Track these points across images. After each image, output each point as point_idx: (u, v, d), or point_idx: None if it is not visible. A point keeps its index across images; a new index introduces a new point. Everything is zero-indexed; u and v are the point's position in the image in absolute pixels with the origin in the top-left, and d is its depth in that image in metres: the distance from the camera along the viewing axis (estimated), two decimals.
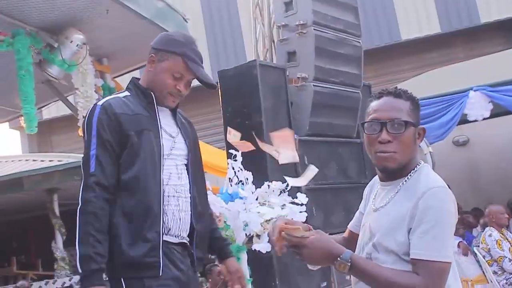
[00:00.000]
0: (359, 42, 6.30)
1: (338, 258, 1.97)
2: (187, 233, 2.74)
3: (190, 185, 2.78)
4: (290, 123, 5.45)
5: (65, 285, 9.46)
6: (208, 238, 2.93)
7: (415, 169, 2.14)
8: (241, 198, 4.23)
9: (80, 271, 2.48)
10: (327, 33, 5.86)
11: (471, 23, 13.52)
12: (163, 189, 2.63)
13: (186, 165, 2.79)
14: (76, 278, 9.33)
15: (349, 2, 6.28)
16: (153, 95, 2.74)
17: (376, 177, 2.28)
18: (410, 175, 2.12)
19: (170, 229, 2.65)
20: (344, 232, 2.49)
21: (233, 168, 4.31)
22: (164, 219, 2.62)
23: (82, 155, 2.64)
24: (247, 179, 4.29)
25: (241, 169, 4.29)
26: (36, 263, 13.18)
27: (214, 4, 14.57)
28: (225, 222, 4.14)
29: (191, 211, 2.75)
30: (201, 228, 2.81)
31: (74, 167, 9.58)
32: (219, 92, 5.38)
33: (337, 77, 5.95)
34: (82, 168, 2.59)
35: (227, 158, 4.43)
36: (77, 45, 5.48)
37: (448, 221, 2.00)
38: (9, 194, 10.22)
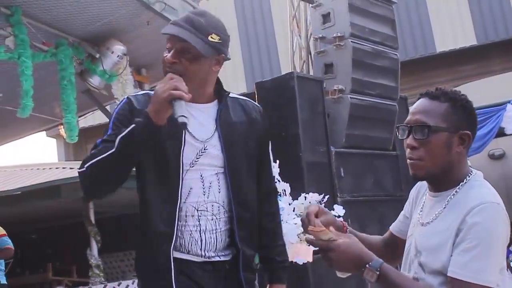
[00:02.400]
0: (396, 55, 6.30)
1: (367, 265, 1.83)
2: (220, 251, 2.38)
3: (229, 198, 2.37)
4: (326, 135, 5.46)
5: None
6: (264, 254, 2.55)
7: (465, 180, 1.95)
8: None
9: (118, 144, 2.17)
10: (364, 45, 5.87)
11: (508, 35, 13.37)
12: (180, 207, 2.29)
13: (223, 174, 2.36)
14: (110, 285, 9.45)
15: (386, 15, 6.28)
16: None
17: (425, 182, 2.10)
18: (459, 188, 1.94)
19: (189, 251, 2.33)
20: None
21: None
22: (181, 242, 2.31)
23: None
24: (284, 190, 4.31)
25: (278, 180, 4.31)
26: (71, 270, 13.32)
27: (249, 16, 14.69)
28: None
29: (230, 226, 2.38)
30: (249, 248, 2.42)
31: None
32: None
33: (374, 89, 5.95)
34: (93, 146, 2.29)
35: None
36: (118, 56, 5.59)
37: (494, 241, 1.81)
38: (47, 201, 10.39)
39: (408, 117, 1.98)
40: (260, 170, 2.53)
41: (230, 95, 2.48)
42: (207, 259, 2.35)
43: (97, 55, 5.62)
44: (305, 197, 4.44)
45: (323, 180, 5.30)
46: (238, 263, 2.39)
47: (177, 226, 2.28)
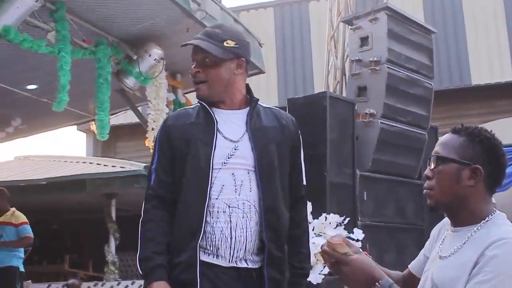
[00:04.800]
0: (430, 84, 6.29)
1: (377, 283, 1.84)
2: (249, 255, 2.42)
3: (259, 197, 2.42)
4: (353, 157, 5.47)
5: None
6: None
7: (487, 218, 1.92)
8: None
9: (141, 273, 2.43)
10: (399, 71, 5.88)
11: None
12: (211, 204, 2.38)
13: (254, 173, 2.43)
14: (124, 283, 9.52)
15: (424, 43, 6.29)
16: (204, 103, 2.50)
17: (447, 219, 2.09)
18: (481, 225, 1.91)
19: (218, 248, 2.38)
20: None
21: None
22: (212, 238, 2.38)
23: None
24: None
25: None
26: (87, 264, 13.43)
27: (288, 31, 14.74)
28: None
29: (259, 228, 2.42)
30: (276, 248, 2.45)
31: (135, 175, 9.80)
32: None
33: (405, 117, 5.95)
34: (147, 181, 2.57)
35: None
36: (154, 59, 5.67)
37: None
38: (71, 194, 10.52)
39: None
40: (291, 177, 2.57)
41: (263, 104, 2.59)
42: (234, 264, 2.39)
43: (135, 57, 5.71)
44: (326, 217, 4.45)
45: (345, 202, 5.30)
46: (264, 260, 2.42)
47: (205, 223, 2.37)
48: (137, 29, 5.63)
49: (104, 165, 10.90)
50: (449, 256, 1.97)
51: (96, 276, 11.85)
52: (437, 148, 1.99)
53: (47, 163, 12.34)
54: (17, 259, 7.10)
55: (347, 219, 4.51)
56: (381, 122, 5.68)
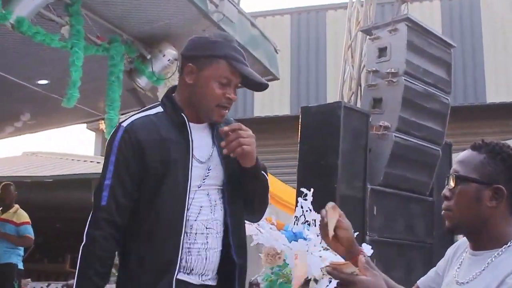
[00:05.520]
0: (447, 99, 6.17)
1: None
2: (215, 271, 2.37)
3: (226, 216, 2.37)
4: (365, 170, 5.35)
5: None
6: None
7: (510, 243, 1.81)
8: (305, 239, 4.13)
9: None
10: (416, 85, 5.76)
11: None
12: (189, 225, 2.26)
13: (222, 191, 2.37)
14: None
15: (443, 57, 6.16)
16: (184, 117, 2.31)
17: (465, 239, 1.99)
18: (503, 250, 1.81)
19: (192, 269, 2.28)
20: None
21: (301, 207, 4.23)
22: (187, 259, 2.26)
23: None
24: (314, 220, 4.19)
25: (310, 210, 4.20)
26: None
27: (303, 40, 14.66)
28: (284, 260, 4.05)
29: (228, 246, 2.37)
30: (242, 261, 2.41)
31: None
32: (299, 128, 5.35)
33: (420, 131, 5.82)
34: (93, 198, 2.26)
35: (297, 196, 4.36)
36: (168, 60, 5.59)
37: None
38: (76, 193, 10.45)
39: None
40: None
41: None
42: (203, 282, 2.33)
43: (148, 56, 5.63)
44: None
45: (354, 216, 5.17)
46: (234, 273, 2.37)
47: (183, 247, 2.25)
48: (152, 28, 5.55)
49: None
50: (467, 282, 1.86)
51: None
52: (455, 166, 1.88)
53: (54, 160, 12.30)
54: (16, 256, 7.03)
55: (356, 234, 4.40)
56: (395, 136, 5.55)
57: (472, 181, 1.83)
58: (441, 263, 2.13)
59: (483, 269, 1.83)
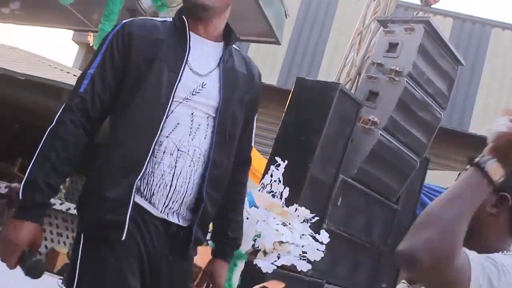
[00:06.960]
0: (441, 114, 6.04)
1: None
2: (184, 208, 2.14)
3: (211, 148, 2.14)
4: (342, 159, 5.19)
5: (54, 206, 9.24)
6: (218, 225, 2.41)
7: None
8: (266, 208, 3.98)
9: (20, 196, 1.99)
10: (416, 90, 5.60)
11: None
12: (159, 141, 2.06)
13: (213, 119, 2.16)
14: (67, 205, 9.16)
15: (449, 72, 6.01)
16: (185, 19, 2.17)
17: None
18: None
19: (153, 194, 2.07)
20: None
21: (271, 176, 4.07)
22: (149, 180, 2.06)
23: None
24: (281, 193, 4.04)
25: (279, 181, 4.04)
26: None
27: (310, 15, 14.39)
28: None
29: (201, 182, 2.14)
30: (211, 206, 2.19)
31: None
32: (289, 98, 5.15)
33: (406, 137, 5.69)
34: (74, 85, 2.14)
35: (270, 164, 4.20)
36: None
37: None
38: (43, 99, 10.13)
39: None
40: (242, 135, 2.33)
41: (235, 46, 2.33)
42: (165, 217, 2.11)
43: None
44: (297, 208, 4.18)
45: (319, 201, 5.03)
46: (195, 219, 2.16)
47: (148, 160, 2.05)
48: None
49: None
50: None
51: None
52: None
53: (31, 60, 11.90)
54: None
55: (316, 218, 4.26)
56: (380, 134, 5.40)
57: None
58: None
59: None
